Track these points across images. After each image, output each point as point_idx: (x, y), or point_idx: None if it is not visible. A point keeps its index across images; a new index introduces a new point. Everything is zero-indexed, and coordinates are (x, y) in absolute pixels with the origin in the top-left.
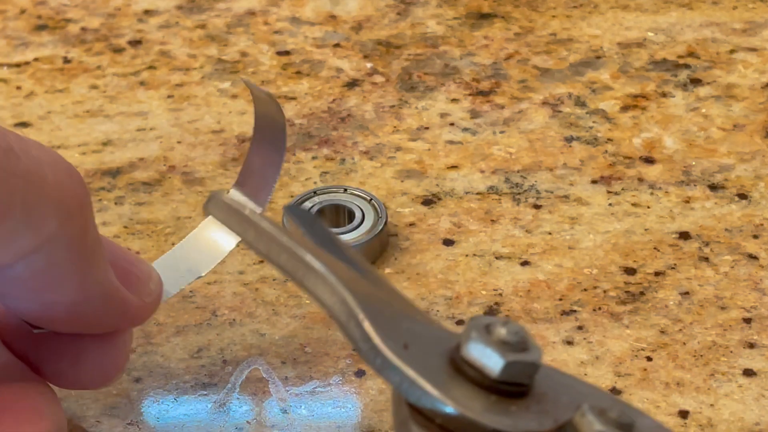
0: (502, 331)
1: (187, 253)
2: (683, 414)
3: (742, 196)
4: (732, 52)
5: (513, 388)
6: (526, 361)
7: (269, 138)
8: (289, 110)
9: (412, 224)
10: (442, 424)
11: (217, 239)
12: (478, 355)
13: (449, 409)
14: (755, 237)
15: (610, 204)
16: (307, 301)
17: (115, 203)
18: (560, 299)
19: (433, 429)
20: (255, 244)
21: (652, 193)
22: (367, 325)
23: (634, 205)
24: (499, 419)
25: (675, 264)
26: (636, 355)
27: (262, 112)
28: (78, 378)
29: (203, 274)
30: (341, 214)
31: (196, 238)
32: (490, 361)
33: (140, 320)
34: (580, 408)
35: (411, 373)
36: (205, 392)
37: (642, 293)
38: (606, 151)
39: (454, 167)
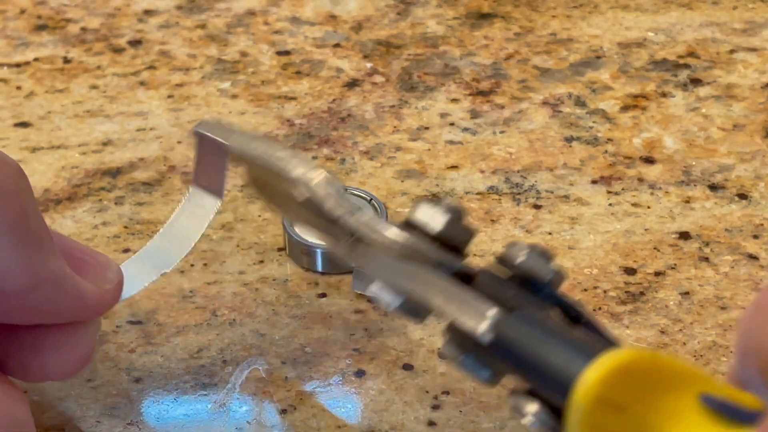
0: (445, 203)
1: (157, 249)
2: None
3: (742, 196)
4: (732, 52)
5: (452, 247)
6: (463, 225)
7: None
8: (289, 110)
9: None
10: (401, 252)
11: (185, 231)
12: (424, 215)
13: (405, 239)
14: (755, 237)
15: (610, 204)
16: (308, 301)
17: (115, 203)
18: None
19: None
20: (235, 146)
21: (652, 193)
22: (337, 191)
23: (634, 205)
24: (441, 252)
25: (675, 264)
26: None
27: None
28: (42, 369)
29: (168, 270)
30: None
31: (164, 235)
32: (434, 219)
33: (100, 309)
34: (507, 244)
35: (365, 216)
36: (205, 392)
37: (642, 293)
38: (606, 151)
39: (454, 167)
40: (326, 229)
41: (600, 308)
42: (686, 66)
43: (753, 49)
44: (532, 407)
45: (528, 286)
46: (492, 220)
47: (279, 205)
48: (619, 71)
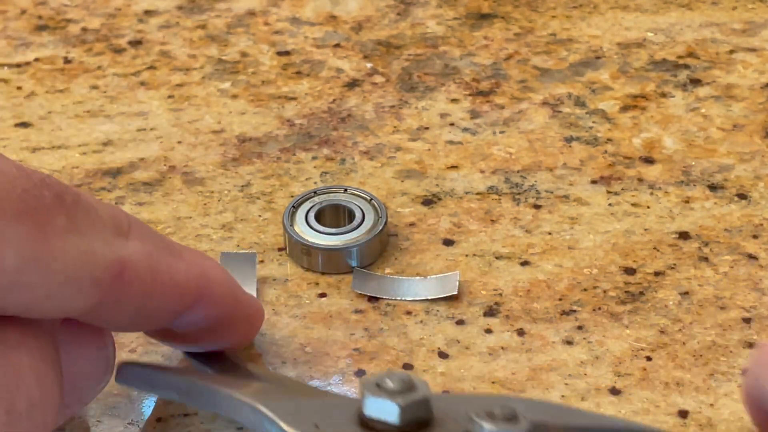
0: (389, 383)
1: None
2: (683, 414)
3: (742, 196)
4: (731, 52)
5: (416, 426)
6: (416, 401)
7: None
8: (290, 110)
9: (412, 224)
10: None
11: None
12: (377, 410)
13: None
14: (755, 237)
15: (609, 204)
16: (308, 301)
17: (116, 203)
18: (560, 299)
19: None
20: (165, 392)
21: (651, 193)
22: (280, 421)
23: (633, 205)
24: None
25: (675, 264)
26: (636, 355)
27: None
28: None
29: None
30: (341, 214)
31: None
32: (387, 411)
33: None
34: (470, 417)
35: None
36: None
37: (642, 293)
38: (606, 151)
39: (454, 167)
40: None
41: (600, 308)
42: (686, 66)
43: (752, 50)
44: None
45: None
46: (492, 220)
47: None
48: (619, 71)
